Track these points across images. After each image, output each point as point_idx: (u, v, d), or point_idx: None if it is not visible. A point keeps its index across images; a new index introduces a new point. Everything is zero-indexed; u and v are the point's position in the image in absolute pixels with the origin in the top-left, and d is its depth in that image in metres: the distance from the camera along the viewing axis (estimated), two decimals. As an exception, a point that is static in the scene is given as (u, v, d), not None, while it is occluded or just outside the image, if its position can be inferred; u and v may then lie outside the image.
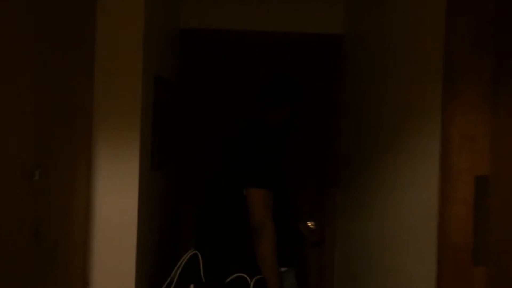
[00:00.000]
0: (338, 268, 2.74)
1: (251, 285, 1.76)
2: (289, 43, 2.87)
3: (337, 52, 2.82)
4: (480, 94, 1.19)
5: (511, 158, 1.15)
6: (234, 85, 2.88)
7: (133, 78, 1.85)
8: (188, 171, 2.86)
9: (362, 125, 2.30)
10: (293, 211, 2.48)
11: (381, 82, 1.96)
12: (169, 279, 1.96)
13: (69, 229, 1.64)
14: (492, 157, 1.17)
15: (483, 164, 1.18)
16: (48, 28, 1.42)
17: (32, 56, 1.33)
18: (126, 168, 1.85)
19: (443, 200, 1.24)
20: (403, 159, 1.62)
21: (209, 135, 2.78)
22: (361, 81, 2.35)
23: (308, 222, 2.56)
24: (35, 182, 1.33)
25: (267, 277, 1.78)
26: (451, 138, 1.20)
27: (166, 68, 2.42)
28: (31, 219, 1.33)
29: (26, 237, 1.30)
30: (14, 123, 1.24)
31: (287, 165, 2.13)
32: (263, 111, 2.10)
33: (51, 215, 1.48)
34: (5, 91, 1.18)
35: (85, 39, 1.76)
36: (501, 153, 1.17)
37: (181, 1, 2.80)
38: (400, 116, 1.68)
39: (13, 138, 1.24)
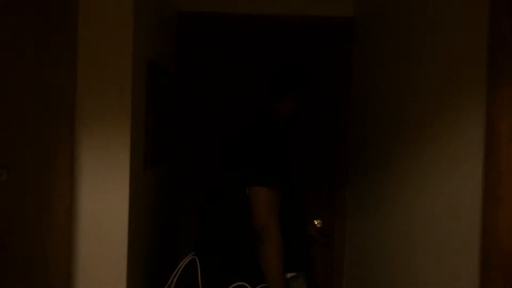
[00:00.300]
0: (348, 271, 2.59)
1: None
2: (295, 27, 2.66)
3: (347, 36, 2.61)
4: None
5: None
6: (237, 74, 2.68)
7: (122, 64, 1.64)
8: (188, 169, 2.69)
9: (379, 116, 2.10)
10: (301, 211, 2.33)
11: (406, 67, 1.76)
12: (165, 287, 1.79)
13: (48, 233, 1.45)
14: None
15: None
16: (22, 8, 1.22)
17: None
18: (115, 167, 1.65)
19: (488, 198, 1.07)
20: (436, 153, 1.44)
21: (211, 130, 2.63)
22: (379, 67, 2.15)
23: (315, 221, 2.46)
24: (2, 183, 1.14)
25: (271, 286, 1.62)
26: (498, 129, 1.01)
27: (161, 55, 2.21)
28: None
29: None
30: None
31: (293, 161, 1.97)
32: (269, 103, 1.96)
33: (25, 217, 1.29)
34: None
35: (67, 20, 1.55)
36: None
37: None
38: (432, 104, 1.49)
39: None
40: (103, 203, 1.64)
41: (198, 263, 1.73)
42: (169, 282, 1.79)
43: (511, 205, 0.97)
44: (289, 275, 1.75)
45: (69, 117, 1.59)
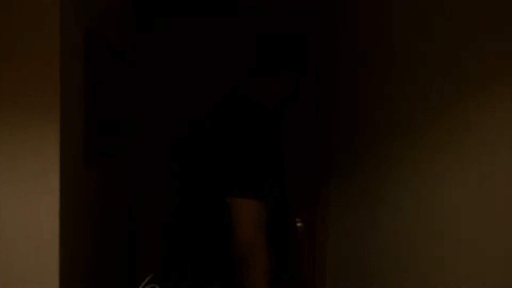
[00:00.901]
0: (332, 270, 2.38)
1: None
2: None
3: (329, 6, 2.25)
4: None
5: None
6: (213, 52, 2.29)
7: (46, 31, 1.24)
8: (151, 167, 2.32)
9: (369, 101, 1.83)
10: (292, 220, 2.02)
11: (407, 40, 1.47)
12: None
13: None
14: None
15: None
16: None
17: None
18: (40, 166, 1.26)
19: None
20: (442, 145, 1.25)
21: (179, 119, 2.22)
22: (375, 37, 1.83)
23: (297, 220, 2.24)
24: None
25: None
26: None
27: (108, 24, 1.80)
28: None
29: None
30: None
31: (287, 161, 1.54)
32: (254, 86, 1.54)
33: None
34: None
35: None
36: None
37: None
38: (451, 80, 1.21)
39: None
40: (26, 211, 1.25)
41: None
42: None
43: None
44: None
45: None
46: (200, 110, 1.95)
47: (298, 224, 2.24)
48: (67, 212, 1.32)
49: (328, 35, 2.30)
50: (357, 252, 1.98)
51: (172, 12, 2.27)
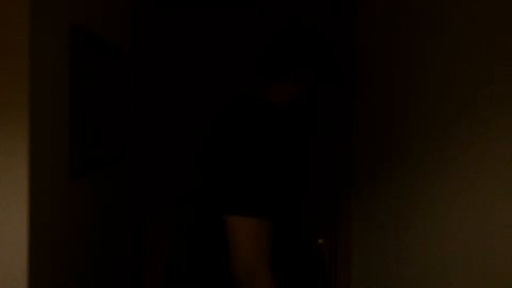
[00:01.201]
0: None
1: None
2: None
3: None
4: None
5: None
6: (219, 49, 2.11)
7: (14, 24, 1.09)
8: (157, 175, 2.15)
9: (397, 105, 1.64)
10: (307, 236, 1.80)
11: (436, 41, 1.29)
12: None
13: None
14: None
15: None
16: None
17: None
18: (9, 177, 1.11)
19: None
20: (479, 154, 1.11)
21: (185, 123, 2.12)
22: (396, 41, 1.65)
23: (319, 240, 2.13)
24: None
25: None
26: None
27: (103, 21, 1.66)
28: None
29: None
30: None
31: (300, 170, 1.33)
32: (263, 86, 1.32)
33: None
34: None
35: None
36: None
37: None
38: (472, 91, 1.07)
39: None
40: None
41: None
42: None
43: None
44: None
45: None
46: (207, 112, 1.78)
47: (320, 241, 2.12)
48: (41, 229, 1.17)
49: (350, 27, 2.11)
50: (383, 278, 1.81)
51: (176, 3, 2.10)
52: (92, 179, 1.56)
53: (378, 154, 1.87)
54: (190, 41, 2.13)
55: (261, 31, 1.85)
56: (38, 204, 1.15)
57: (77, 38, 1.37)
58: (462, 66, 1.23)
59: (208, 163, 1.23)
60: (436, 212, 1.36)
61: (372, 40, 1.95)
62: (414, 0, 1.53)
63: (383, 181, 1.81)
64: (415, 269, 1.49)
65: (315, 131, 2.18)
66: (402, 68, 1.62)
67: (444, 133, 1.33)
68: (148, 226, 2.16)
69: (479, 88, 1.16)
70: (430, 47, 1.40)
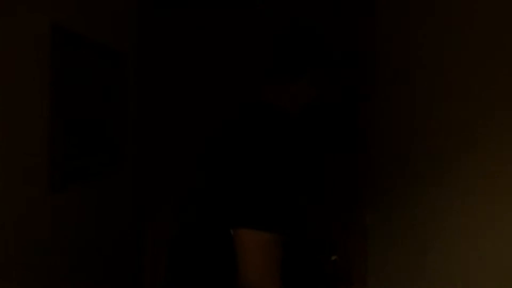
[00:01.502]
0: None
1: None
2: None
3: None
4: None
5: None
6: (219, 50, 2.04)
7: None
8: (158, 176, 2.08)
9: (421, 109, 1.53)
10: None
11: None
12: None
13: None
14: None
15: None
16: None
17: None
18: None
19: None
20: None
21: (186, 123, 2.05)
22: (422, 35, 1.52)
23: (332, 257, 2.04)
24: None
25: None
26: None
27: (94, 21, 1.55)
28: None
29: None
30: None
31: (314, 181, 1.26)
32: (273, 89, 1.20)
33: None
34: None
35: None
36: None
37: None
38: None
39: None
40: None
41: None
42: None
43: None
44: None
45: None
46: (208, 113, 1.77)
47: (333, 258, 2.03)
48: (12, 254, 1.04)
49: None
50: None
51: (176, 3, 2.02)
52: (80, 190, 1.45)
53: (396, 165, 1.79)
54: (190, 41, 2.06)
55: (262, 31, 1.79)
56: (6, 225, 1.03)
57: (60, 39, 1.26)
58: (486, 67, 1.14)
59: (214, 168, 1.15)
60: (468, 230, 1.29)
61: (392, 43, 1.82)
62: None
63: (402, 195, 1.73)
64: (438, 275, 1.44)
65: (328, 140, 2.07)
66: (424, 72, 1.51)
67: (475, 143, 1.24)
68: (148, 227, 2.08)
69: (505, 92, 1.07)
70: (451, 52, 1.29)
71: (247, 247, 1.02)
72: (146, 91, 2.05)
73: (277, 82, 1.19)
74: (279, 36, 1.21)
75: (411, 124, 1.67)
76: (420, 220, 1.58)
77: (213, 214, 1.09)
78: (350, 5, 1.99)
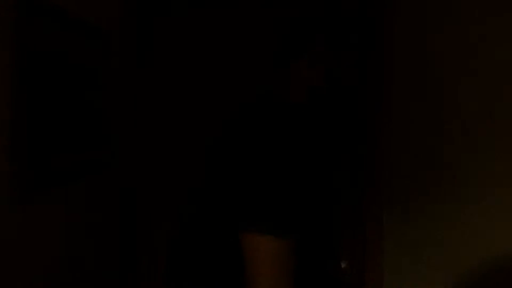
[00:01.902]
0: None
1: None
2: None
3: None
4: None
5: None
6: (220, 50, 2.06)
7: None
8: (156, 175, 2.07)
9: (445, 100, 1.56)
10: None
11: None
12: None
13: None
14: None
15: None
16: None
17: None
18: None
19: None
20: None
21: (187, 124, 2.05)
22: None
23: (342, 264, 1.98)
24: None
25: None
26: None
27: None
28: None
29: None
30: None
31: (323, 181, 1.24)
32: (279, 77, 1.21)
33: None
34: None
35: None
36: None
37: None
38: None
39: None
40: None
41: None
42: None
43: None
44: None
45: None
46: (207, 112, 1.82)
47: (343, 265, 2.01)
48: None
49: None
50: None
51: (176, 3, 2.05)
52: (59, 194, 1.24)
53: (416, 163, 1.81)
54: (191, 41, 2.11)
55: (263, 31, 1.85)
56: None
57: (26, 6, 1.01)
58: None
59: (218, 168, 1.15)
60: (492, 232, 1.41)
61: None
62: None
63: (423, 195, 1.76)
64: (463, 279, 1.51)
65: (340, 134, 2.06)
66: (446, 66, 1.57)
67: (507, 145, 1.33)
68: (148, 228, 2.10)
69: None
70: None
71: (254, 252, 1.02)
72: (144, 88, 2.04)
73: (281, 65, 1.19)
74: (287, 22, 1.22)
75: (435, 121, 1.69)
76: (441, 221, 1.61)
77: (218, 215, 1.08)
78: None
